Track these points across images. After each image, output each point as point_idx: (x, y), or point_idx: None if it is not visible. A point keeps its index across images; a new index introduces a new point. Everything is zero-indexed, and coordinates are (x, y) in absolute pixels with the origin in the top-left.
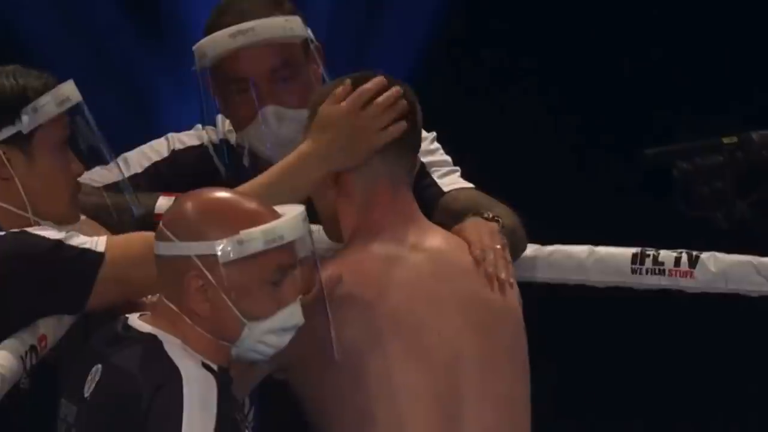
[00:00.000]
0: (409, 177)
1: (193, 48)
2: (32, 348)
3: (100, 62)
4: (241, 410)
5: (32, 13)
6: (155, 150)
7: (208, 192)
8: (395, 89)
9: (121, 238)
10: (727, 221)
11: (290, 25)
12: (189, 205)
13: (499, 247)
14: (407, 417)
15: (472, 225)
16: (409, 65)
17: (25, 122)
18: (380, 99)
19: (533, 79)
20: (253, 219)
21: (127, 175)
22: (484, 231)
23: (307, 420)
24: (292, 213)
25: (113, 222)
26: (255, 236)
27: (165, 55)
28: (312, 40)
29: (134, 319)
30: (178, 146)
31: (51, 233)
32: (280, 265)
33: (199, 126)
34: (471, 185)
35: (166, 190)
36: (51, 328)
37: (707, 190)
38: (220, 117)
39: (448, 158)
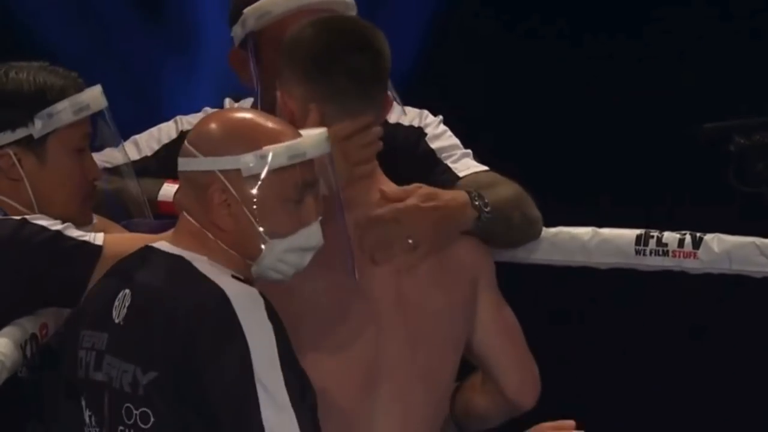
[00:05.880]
0: None
1: (246, 10)
2: (33, 336)
3: (102, 46)
4: None
5: None
6: (164, 132)
7: (233, 111)
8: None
9: (121, 236)
10: None
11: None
12: (214, 123)
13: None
14: (331, 390)
15: (413, 188)
16: (419, 38)
17: (38, 127)
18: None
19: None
20: (277, 136)
21: (138, 157)
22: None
23: None
24: (315, 131)
25: (120, 205)
26: (278, 152)
27: (168, 39)
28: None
29: (157, 244)
30: (187, 127)
31: (51, 223)
32: (302, 182)
33: (207, 108)
34: (486, 168)
35: (176, 171)
36: (52, 316)
37: (761, 166)
38: (228, 100)
39: (457, 141)
